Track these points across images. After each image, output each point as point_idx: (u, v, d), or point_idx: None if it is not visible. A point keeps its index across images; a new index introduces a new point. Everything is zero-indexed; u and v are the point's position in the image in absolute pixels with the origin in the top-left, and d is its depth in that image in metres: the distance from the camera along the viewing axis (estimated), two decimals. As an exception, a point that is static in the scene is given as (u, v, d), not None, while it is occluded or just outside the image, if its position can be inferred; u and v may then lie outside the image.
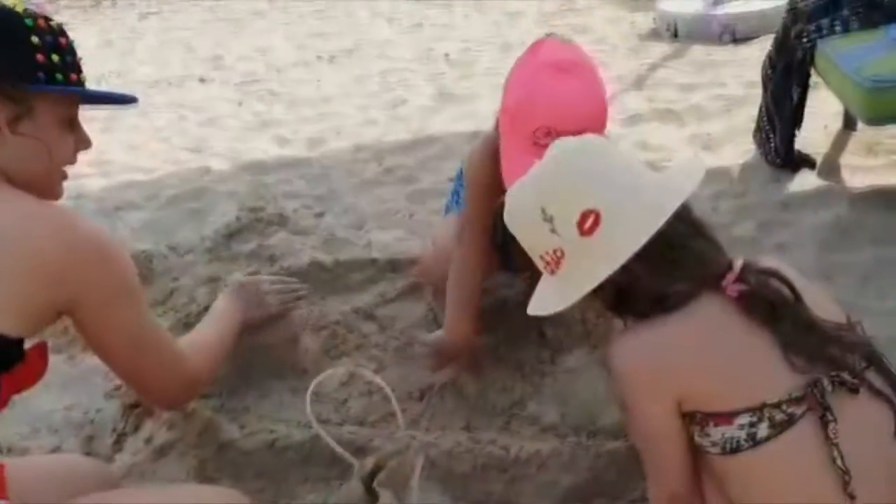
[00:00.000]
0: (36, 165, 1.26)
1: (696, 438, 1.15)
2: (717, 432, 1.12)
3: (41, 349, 1.26)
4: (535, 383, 1.90)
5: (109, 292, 1.25)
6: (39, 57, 1.22)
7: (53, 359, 2.09)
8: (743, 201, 2.53)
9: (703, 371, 1.13)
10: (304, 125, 3.64)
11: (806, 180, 2.61)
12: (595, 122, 1.49)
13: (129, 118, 3.93)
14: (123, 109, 4.02)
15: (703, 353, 1.13)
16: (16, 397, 1.88)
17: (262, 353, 1.92)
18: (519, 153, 1.52)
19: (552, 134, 1.47)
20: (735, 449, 1.11)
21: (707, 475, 1.18)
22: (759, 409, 1.09)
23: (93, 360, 2.11)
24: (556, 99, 1.49)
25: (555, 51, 1.57)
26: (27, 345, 1.20)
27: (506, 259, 1.94)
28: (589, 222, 1.13)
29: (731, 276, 1.13)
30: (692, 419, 1.14)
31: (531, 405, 1.83)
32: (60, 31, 1.27)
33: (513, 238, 1.92)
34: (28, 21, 1.23)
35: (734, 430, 1.10)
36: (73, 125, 1.33)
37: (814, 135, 2.86)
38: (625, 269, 1.11)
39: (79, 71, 1.30)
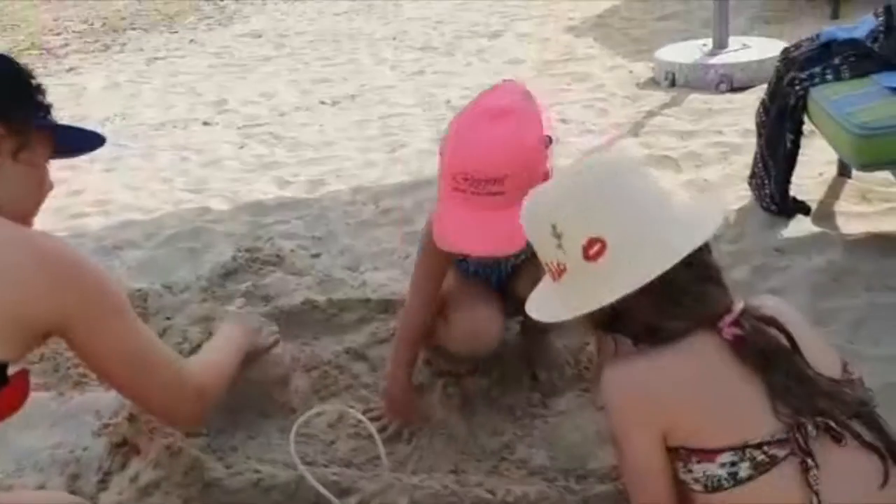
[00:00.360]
0: (30, 193, 1.37)
1: (681, 474, 1.14)
2: (700, 469, 1.11)
3: (23, 375, 1.27)
4: (525, 426, 1.89)
5: (96, 311, 1.27)
6: (39, 97, 1.37)
7: (42, 396, 2.11)
8: (738, 246, 2.53)
9: (690, 406, 1.13)
10: (305, 167, 3.67)
11: (800, 226, 2.61)
12: (515, 168, 1.52)
13: (132, 159, 3.97)
14: (124, 151, 4.07)
15: (691, 389, 1.13)
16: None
17: (251, 393, 1.91)
18: (445, 196, 1.57)
19: (469, 179, 1.52)
20: (716, 487, 1.10)
21: None
22: (741, 449, 1.08)
23: (83, 397, 2.11)
24: (475, 146, 1.54)
25: (496, 97, 1.61)
26: (10, 371, 1.21)
27: (502, 303, 1.95)
28: (595, 249, 1.14)
29: (727, 319, 1.13)
30: (676, 454, 1.14)
31: (521, 448, 1.82)
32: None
33: (508, 282, 1.94)
34: (25, 65, 1.38)
35: (716, 468, 1.10)
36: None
37: (809, 181, 2.87)
38: (624, 297, 1.11)
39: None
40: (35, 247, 1.23)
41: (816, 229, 2.58)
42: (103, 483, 1.80)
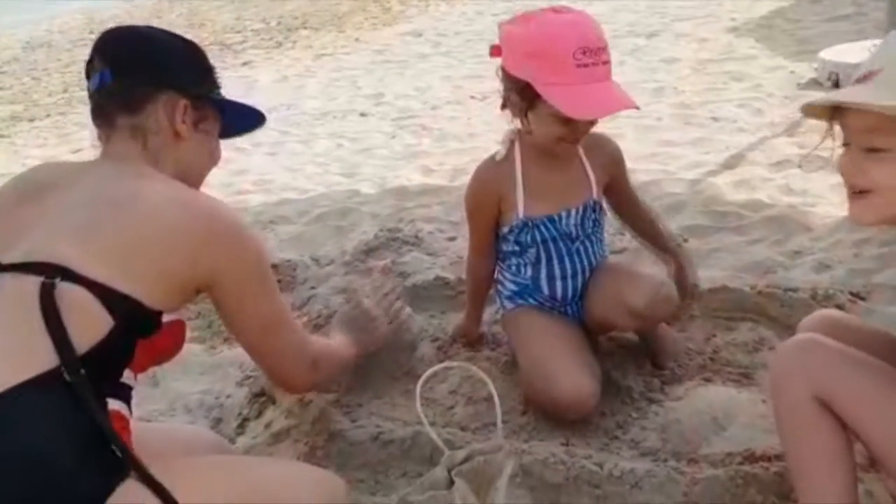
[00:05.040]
0: (204, 161, 1.52)
1: None
2: None
3: (179, 326, 1.38)
4: (641, 409, 1.89)
5: (244, 273, 1.37)
6: (215, 76, 1.54)
7: (196, 347, 2.32)
8: (887, 250, 2.41)
9: None
10: (449, 157, 3.79)
11: (961, 233, 2.45)
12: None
13: (292, 144, 4.24)
14: (284, 136, 4.35)
15: None
16: (156, 370, 2.07)
17: (381, 357, 2.02)
18: (565, 82, 1.69)
19: (590, 51, 1.69)
20: None
21: None
22: None
23: (231, 352, 2.30)
24: (578, 22, 1.72)
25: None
26: (166, 318, 1.30)
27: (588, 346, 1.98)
28: None
29: None
30: None
31: (634, 430, 1.82)
32: None
33: (583, 303, 1.96)
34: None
35: None
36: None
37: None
38: None
39: None
40: (201, 207, 1.33)
41: (982, 235, 2.42)
42: (241, 427, 1.97)
